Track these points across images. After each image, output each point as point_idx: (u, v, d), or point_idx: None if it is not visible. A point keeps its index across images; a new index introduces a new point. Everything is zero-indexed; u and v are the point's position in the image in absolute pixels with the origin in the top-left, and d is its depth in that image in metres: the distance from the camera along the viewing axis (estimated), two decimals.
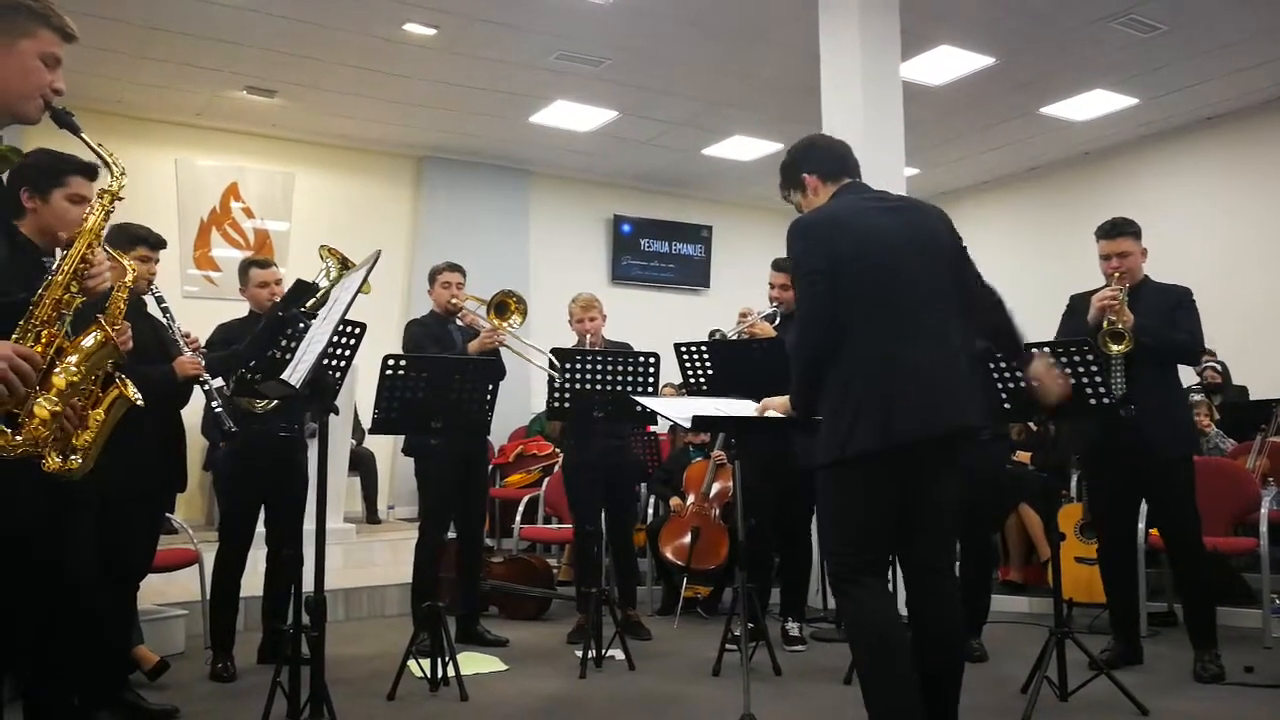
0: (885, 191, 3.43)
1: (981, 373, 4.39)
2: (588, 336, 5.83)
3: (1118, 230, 4.82)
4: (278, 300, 4.97)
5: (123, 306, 2.64)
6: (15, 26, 2.25)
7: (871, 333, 3.07)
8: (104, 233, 2.48)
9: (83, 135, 2.44)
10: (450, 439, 4.89)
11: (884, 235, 3.14)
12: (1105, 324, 4.57)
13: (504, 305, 5.55)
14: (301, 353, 3.67)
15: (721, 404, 4.07)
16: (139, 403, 2.52)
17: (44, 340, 2.27)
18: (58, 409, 2.27)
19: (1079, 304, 4.84)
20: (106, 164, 2.50)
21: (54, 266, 2.40)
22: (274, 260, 5.56)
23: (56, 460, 2.30)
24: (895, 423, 2.98)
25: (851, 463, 3.01)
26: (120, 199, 2.51)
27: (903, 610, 3.36)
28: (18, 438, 2.21)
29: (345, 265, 4.80)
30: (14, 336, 2.23)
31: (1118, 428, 4.58)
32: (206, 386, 4.34)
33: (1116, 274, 4.74)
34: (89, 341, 2.36)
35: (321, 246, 4.96)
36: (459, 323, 5.64)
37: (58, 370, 2.29)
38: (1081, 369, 4.12)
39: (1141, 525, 5.22)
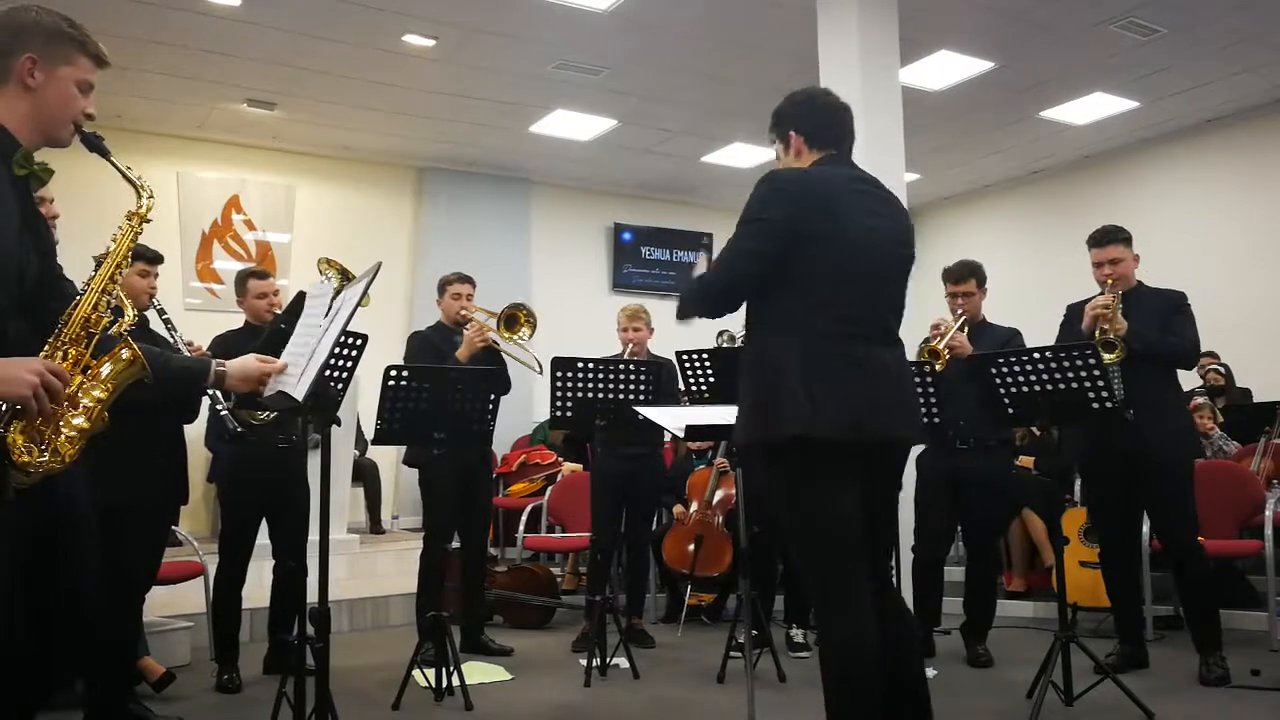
0: (866, 174, 3.18)
1: (983, 379, 4.40)
2: (630, 346, 5.86)
3: (1108, 238, 4.82)
4: (276, 311, 4.99)
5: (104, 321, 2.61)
6: (57, 54, 2.31)
7: (838, 316, 2.87)
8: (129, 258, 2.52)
9: (112, 159, 2.47)
10: (452, 449, 4.90)
11: (865, 219, 2.97)
12: (1097, 333, 4.57)
13: (514, 318, 5.57)
14: (303, 365, 3.67)
15: (724, 412, 4.06)
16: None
17: (70, 358, 2.30)
18: (85, 427, 2.30)
19: (1075, 314, 4.84)
20: (135, 187, 2.52)
21: (82, 285, 2.42)
22: (271, 271, 5.56)
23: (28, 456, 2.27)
24: (857, 411, 2.81)
25: (820, 449, 2.79)
26: (149, 220, 2.54)
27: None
28: (43, 455, 2.22)
29: (346, 277, 4.80)
30: (43, 353, 2.25)
31: (1115, 433, 4.59)
32: (210, 392, 4.35)
33: (1110, 281, 4.74)
34: (117, 363, 2.39)
35: (321, 259, 4.97)
36: (467, 333, 5.64)
37: (85, 388, 2.32)
38: (1084, 373, 4.12)
39: (1145, 529, 5.21)
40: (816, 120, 3.22)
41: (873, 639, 2.81)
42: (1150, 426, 4.55)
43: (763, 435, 2.89)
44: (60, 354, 2.29)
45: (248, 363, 2.83)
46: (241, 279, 5.23)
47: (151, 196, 2.53)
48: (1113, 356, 4.53)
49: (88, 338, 2.35)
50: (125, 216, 2.51)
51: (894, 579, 3.20)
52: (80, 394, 2.32)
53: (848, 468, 2.85)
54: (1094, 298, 4.71)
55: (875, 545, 3.03)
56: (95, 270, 2.46)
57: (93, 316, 2.36)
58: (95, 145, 2.42)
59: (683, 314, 3.24)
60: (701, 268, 3.33)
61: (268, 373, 2.88)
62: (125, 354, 2.41)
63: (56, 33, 2.32)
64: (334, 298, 3.34)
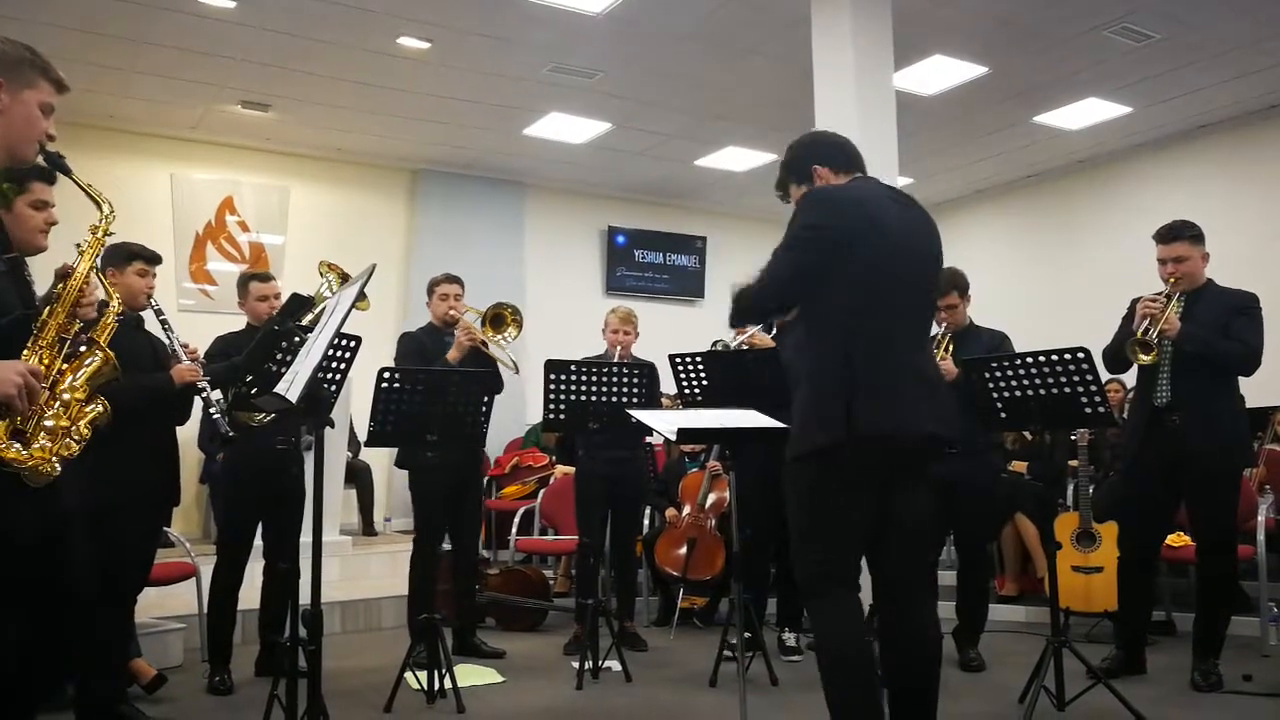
0: (894, 187, 3.35)
1: (978, 382, 4.39)
2: (618, 349, 5.87)
3: (1174, 234, 4.71)
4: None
5: (113, 327, 2.81)
6: (21, 78, 2.46)
7: (878, 323, 2.99)
8: (95, 268, 2.70)
9: (73, 176, 2.63)
10: (443, 451, 4.90)
11: (903, 227, 3.09)
12: (1140, 332, 4.51)
13: (500, 317, 5.57)
14: (297, 366, 3.67)
15: (717, 415, 4.06)
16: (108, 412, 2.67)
17: (45, 362, 2.47)
18: (65, 424, 2.48)
19: (1135, 307, 4.71)
20: (95, 202, 2.69)
21: (52, 293, 2.59)
22: (273, 274, 5.57)
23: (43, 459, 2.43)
24: (897, 414, 2.92)
25: (845, 451, 2.90)
26: (111, 234, 2.73)
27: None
28: (25, 452, 2.37)
29: (345, 281, 4.81)
30: (22, 357, 2.41)
31: (1161, 435, 4.55)
32: (204, 394, 4.35)
33: (1172, 279, 4.64)
34: (91, 364, 2.59)
35: (321, 262, 4.98)
36: (457, 334, 5.64)
37: (62, 389, 2.51)
38: (1077, 378, 4.11)
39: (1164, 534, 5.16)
40: (831, 149, 3.33)
41: (857, 631, 2.92)
42: (1197, 432, 4.49)
43: (810, 447, 2.98)
44: (36, 357, 2.45)
45: None
46: (243, 281, 5.25)
47: (112, 211, 2.71)
48: (1149, 358, 4.47)
49: (61, 342, 2.53)
50: (90, 230, 2.69)
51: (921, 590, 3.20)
52: (57, 394, 2.50)
53: (870, 470, 2.95)
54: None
55: (897, 551, 3.06)
56: (62, 281, 2.61)
57: (65, 322, 2.54)
58: (57, 164, 2.59)
59: (737, 321, 3.48)
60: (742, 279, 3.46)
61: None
62: (97, 355, 2.61)
63: (20, 60, 2.47)
64: (354, 305, 3.43)
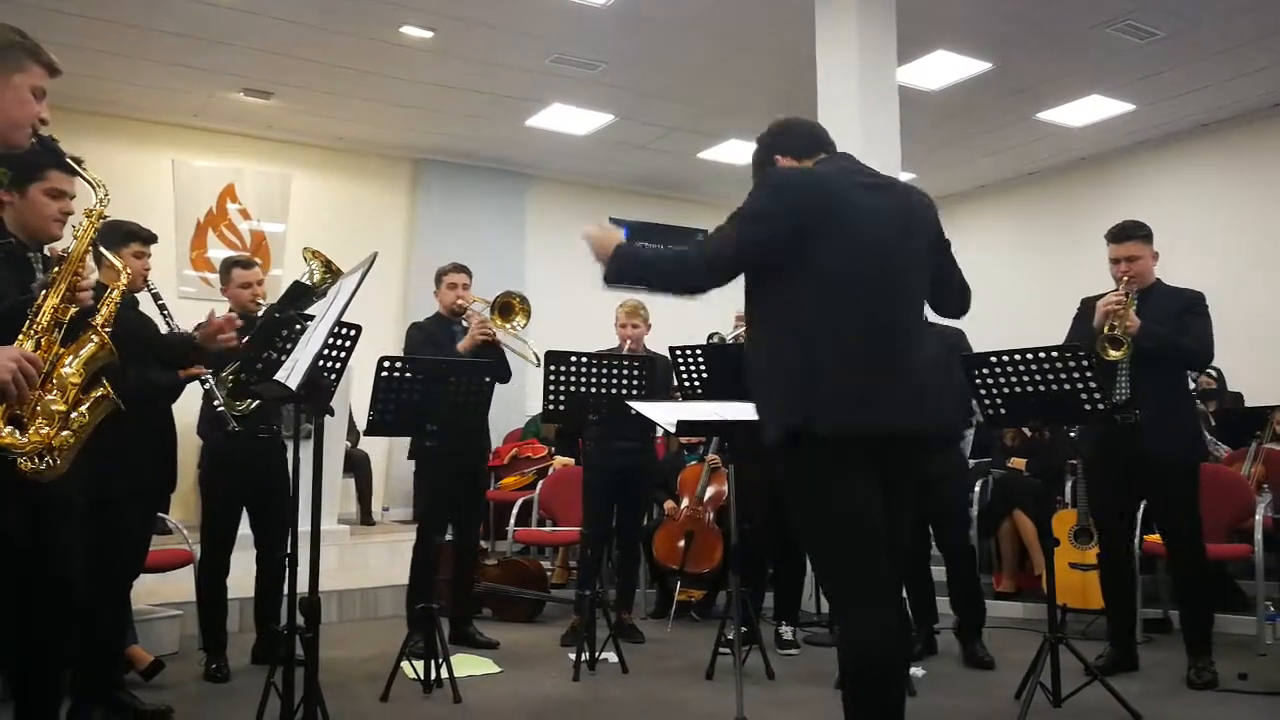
0: (868, 166, 3.04)
1: (977, 378, 4.39)
2: (628, 343, 5.87)
3: (1126, 234, 4.79)
4: (259, 301, 5.00)
5: (114, 309, 2.78)
6: (10, 61, 2.44)
7: (849, 311, 2.75)
8: (90, 252, 2.70)
9: (67, 160, 2.65)
10: (449, 443, 4.90)
11: (872, 212, 2.83)
12: (1106, 329, 4.56)
13: (508, 306, 5.57)
14: (297, 354, 3.67)
15: (716, 408, 4.06)
16: (120, 406, 2.65)
17: (43, 346, 2.47)
18: (63, 409, 2.47)
19: (1089, 307, 4.78)
20: (90, 184, 2.69)
21: (48, 278, 2.59)
22: (257, 260, 5.56)
23: (31, 463, 2.43)
24: (877, 407, 2.70)
25: (829, 444, 2.68)
26: (105, 217, 2.73)
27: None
28: (23, 438, 2.37)
29: (329, 268, 4.78)
30: (16, 343, 2.39)
31: (1119, 433, 4.58)
32: (207, 385, 4.35)
33: (1125, 278, 4.71)
34: (87, 349, 2.56)
35: (305, 249, 4.95)
36: (464, 324, 5.64)
37: (59, 373, 2.49)
38: (1077, 375, 4.11)
39: (1136, 531, 5.21)
40: (795, 135, 3.14)
41: (890, 639, 2.71)
42: (1157, 427, 4.54)
43: (770, 434, 2.77)
44: (33, 343, 2.44)
45: None
46: (226, 267, 5.24)
47: (107, 194, 2.70)
48: (1119, 353, 4.52)
49: (58, 326, 2.51)
50: (84, 213, 2.69)
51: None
52: (55, 379, 2.49)
53: (858, 461, 2.72)
54: (1107, 293, 4.68)
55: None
56: (58, 264, 2.61)
57: (60, 307, 2.52)
58: (50, 148, 2.58)
59: (623, 279, 3.16)
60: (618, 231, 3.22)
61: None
62: (94, 340, 2.59)
63: (9, 44, 2.45)
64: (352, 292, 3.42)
